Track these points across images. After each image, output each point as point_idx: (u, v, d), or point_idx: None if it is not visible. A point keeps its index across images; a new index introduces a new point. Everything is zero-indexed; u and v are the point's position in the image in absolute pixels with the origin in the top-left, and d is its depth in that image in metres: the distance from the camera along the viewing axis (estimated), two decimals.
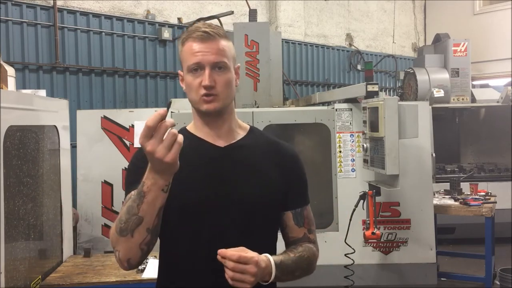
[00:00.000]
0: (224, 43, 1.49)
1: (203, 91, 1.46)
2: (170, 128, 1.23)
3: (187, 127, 1.61)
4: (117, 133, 4.63)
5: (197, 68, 1.46)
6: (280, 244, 1.62)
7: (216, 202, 1.48)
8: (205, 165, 1.51)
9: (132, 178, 1.49)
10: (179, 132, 1.59)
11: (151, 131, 1.22)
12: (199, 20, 6.85)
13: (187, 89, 1.51)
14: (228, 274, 1.33)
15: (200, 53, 1.45)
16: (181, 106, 4.76)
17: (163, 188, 1.30)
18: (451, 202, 4.80)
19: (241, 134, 1.59)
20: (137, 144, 4.51)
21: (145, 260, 3.21)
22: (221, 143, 1.53)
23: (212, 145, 1.53)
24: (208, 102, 1.47)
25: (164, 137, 1.22)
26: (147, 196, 1.29)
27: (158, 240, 1.56)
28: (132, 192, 1.43)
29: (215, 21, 6.70)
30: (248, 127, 1.64)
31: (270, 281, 1.41)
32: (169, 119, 1.24)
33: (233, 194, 1.49)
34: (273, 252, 1.60)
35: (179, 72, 1.57)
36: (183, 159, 1.51)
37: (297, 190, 1.61)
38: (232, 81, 1.52)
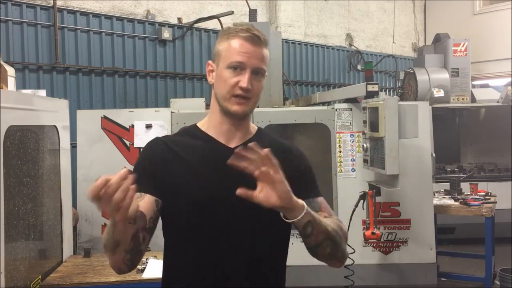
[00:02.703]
0: (266, 51, 1.55)
1: (238, 91, 1.48)
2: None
3: (198, 124, 1.62)
4: (117, 133, 4.63)
5: (238, 67, 1.48)
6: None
7: (223, 202, 1.48)
8: (214, 165, 1.52)
9: (136, 178, 1.51)
10: (189, 130, 1.62)
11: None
12: (199, 20, 6.86)
13: (220, 83, 1.51)
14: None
15: (246, 54, 1.49)
16: (181, 106, 4.77)
17: (130, 222, 1.28)
18: (451, 202, 4.80)
19: (250, 135, 1.61)
20: (137, 144, 4.52)
21: (145, 260, 3.20)
22: (231, 144, 1.55)
23: (221, 145, 1.54)
24: (240, 104, 1.49)
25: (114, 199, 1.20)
26: (117, 225, 1.27)
27: (162, 240, 1.57)
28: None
29: (215, 21, 6.72)
30: (256, 128, 1.66)
31: (302, 215, 1.34)
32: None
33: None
34: (285, 250, 1.61)
35: (209, 62, 1.57)
36: (192, 158, 1.51)
37: (307, 182, 1.60)
38: (262, 89, 1.56)
